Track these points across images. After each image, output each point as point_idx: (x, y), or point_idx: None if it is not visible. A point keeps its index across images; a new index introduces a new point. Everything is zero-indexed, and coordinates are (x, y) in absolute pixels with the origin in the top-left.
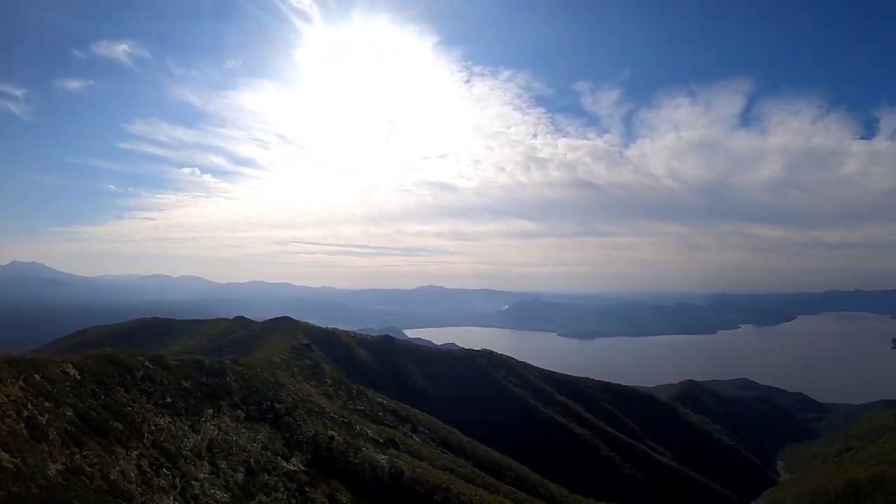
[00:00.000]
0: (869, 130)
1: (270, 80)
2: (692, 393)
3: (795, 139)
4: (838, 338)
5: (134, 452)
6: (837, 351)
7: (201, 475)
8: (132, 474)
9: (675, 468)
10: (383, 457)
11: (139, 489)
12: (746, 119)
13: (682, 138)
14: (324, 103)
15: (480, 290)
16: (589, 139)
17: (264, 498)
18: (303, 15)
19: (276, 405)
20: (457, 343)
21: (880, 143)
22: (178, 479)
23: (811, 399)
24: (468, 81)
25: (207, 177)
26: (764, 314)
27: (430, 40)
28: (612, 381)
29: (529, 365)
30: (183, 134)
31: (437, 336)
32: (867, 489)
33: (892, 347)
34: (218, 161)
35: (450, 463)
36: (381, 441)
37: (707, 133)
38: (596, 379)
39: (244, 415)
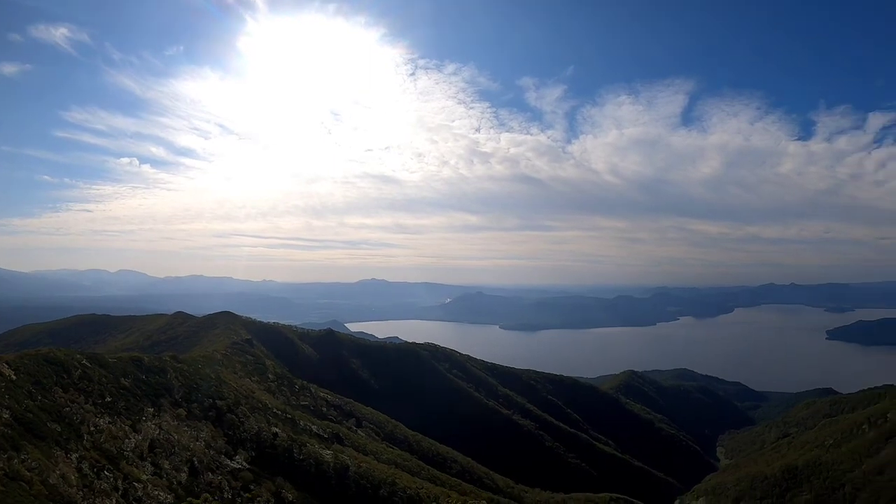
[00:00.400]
0: (805, 132)
1: (212, 68)
2: (633, 383)
3: (734, 138)
4: (775, 329)
5: (74, 455)
6: (774, 342)
7: (144, 476)
8: (73, 478)
9: (618, 457)
10: (328, 452)
11: (80, 493)
12: (687, 118)
13: (624, 135)
14: (266, 93)
15: (423, 284)
16: (532, 134)
17: (209, 497)
18: (246, 3)
19: (218, 402)
20: (400, 336)
21: (816, 145)
22: (120, 482)
23: (749, 388)
24: (413, 74)
25: (146, 167)
26: (702, 306)
27: (377, 32)
28: (555, 373)
29: (472, 357)
30: (121, 122)
31: (379, 330)
32: (804, 474)
33: (827, 338)
34: (157, 151)
35: (395, 457)
36: (326, 436)
37: (648, 130)
38: (538, 371)
39: (186, 413)
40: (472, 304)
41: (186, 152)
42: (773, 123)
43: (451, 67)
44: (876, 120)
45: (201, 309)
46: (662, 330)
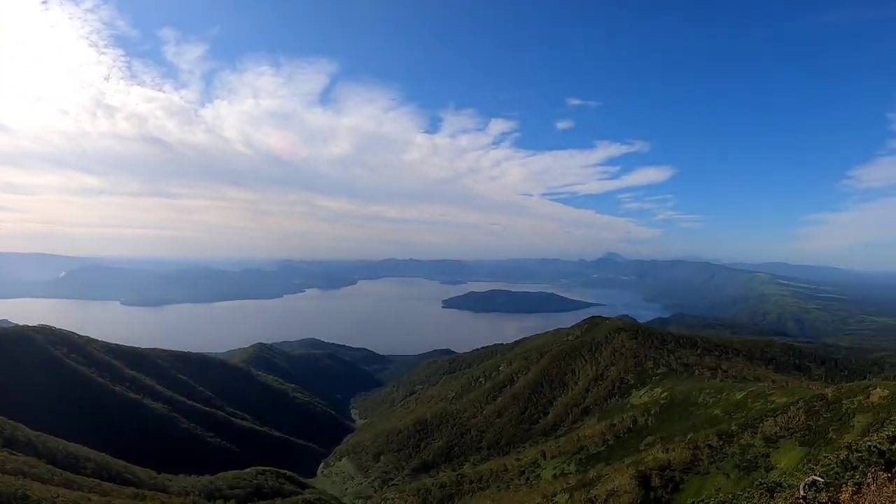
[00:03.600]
0: (433, 127)
1: None
2: (263, 355)
3: (367, 123)
4: (396, 299)
5: None
6: (395, 310)
7: None
8: None
9: (257, 430)
10: None
11: None
12: (325, 98)
13: (260, 106)
14: None
15: (33, 255)
16: (165, 92)
17: None
18: None
19: None
20: (9, 319)
21: (441, 140)
22: None
23: (375, 352)
24: (45, 3)
25: None
26: (328, 279)
27: None
28: (183, 350)
29: (93, 339)
30: None
31: None
32: (434, 424)
33: (443, 307)
34: None
35: (20, 465)
36: None
37: (285, 104)
38: (166, 349)
39: None
40: (90, 278)
41: None
42: (405, 114)
43: (89, 2)
44: (497, 126)
45: None
46: (289, 302)
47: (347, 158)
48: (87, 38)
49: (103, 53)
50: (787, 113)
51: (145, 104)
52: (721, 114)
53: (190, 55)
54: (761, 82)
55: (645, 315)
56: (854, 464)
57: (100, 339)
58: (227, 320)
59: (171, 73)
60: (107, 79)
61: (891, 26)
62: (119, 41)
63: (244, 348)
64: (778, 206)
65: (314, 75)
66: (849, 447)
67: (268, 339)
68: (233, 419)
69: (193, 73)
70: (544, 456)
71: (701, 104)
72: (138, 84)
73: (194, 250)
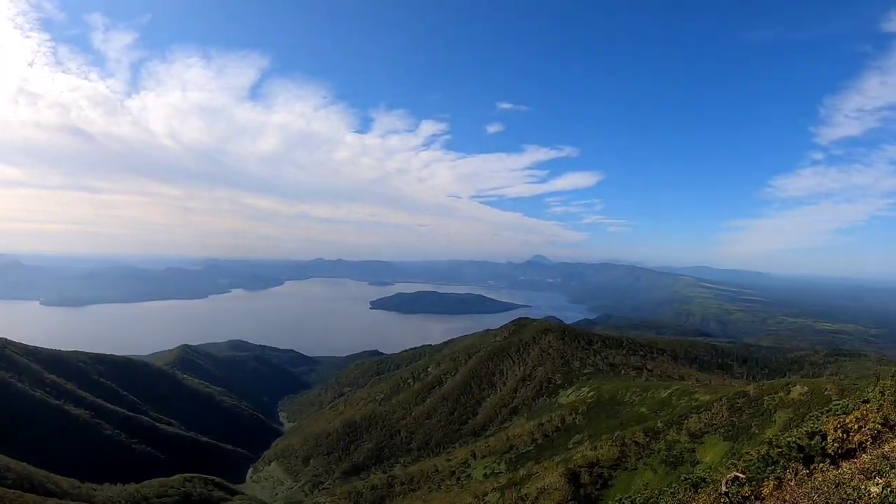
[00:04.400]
0: (364, 126)
1: None
2: (188, 357)
3: (297, 120)
4: (324, 300)
5: None
6: (323, 311)
7: None
8: None
9: (183, 435)
10: None
11: None
12: (255, 93)
13: (188, 99)
14: None
15: None
16: (90, 80)
17: None
18: None
19: None
20: None
21: (371, 140)
22: None
23: (302, 354)
24: None
25: None
26: (254, 279)
27: None
28: (106, 353)
29: (11, 341)
30: None
31: None
32: (363, 426)
33: (370, 308)
34: None
35: None
36: None
37: (214, 98)
38: (88, 352)
39: None
40: (8, 275)
41: None
42: (335, 113)
43: None
44: (427, 127)
45: None
46: (214, 302)
47: (276, 156)
48: (13, 20)
49: (28, 37)
50: (714, 123)
51: (70, 93)
52: (649, 121)
53: (118, 43)
54: (690, 92)
55: (572, 317)
56: (775, 458)
57: (17, 340)
58: (151, 321)
59: (97, 61)
60: (31, 64)
61: (815, 46)
62: (45, 25)
63: (169, 350)
64: (703, 212)
65: (245, 69)
66: (769, 442)
67: (193, 341)
68: (158, 424)
69: (121, 62)
70: (474, 456)
71: (630, 112)
72: (63, 71)
73: (117, 247)
